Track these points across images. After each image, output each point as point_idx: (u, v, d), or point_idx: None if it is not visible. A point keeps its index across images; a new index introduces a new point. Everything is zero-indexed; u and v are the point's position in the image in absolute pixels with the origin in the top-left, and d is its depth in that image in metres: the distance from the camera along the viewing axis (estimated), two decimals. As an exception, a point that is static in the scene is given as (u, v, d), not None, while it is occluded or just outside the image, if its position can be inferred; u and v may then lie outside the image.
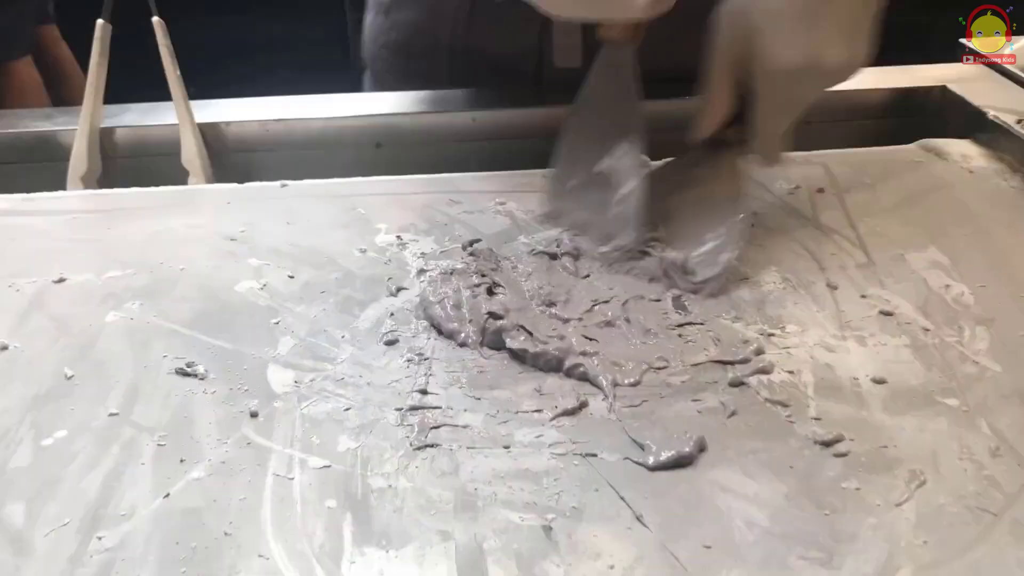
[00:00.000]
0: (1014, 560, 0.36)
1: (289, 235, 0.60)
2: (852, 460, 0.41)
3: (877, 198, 0.63)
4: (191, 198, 0.65)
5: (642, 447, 0.41)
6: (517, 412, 0.44)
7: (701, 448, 0.41)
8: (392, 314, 0.51)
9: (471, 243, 0.58)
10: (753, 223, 0.58)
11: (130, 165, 0.73)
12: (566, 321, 0.50)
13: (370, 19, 0.85)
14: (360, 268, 0.56)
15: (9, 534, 0.38)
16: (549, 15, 0.55)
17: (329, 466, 0.41)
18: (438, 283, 0.52)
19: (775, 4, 0.50)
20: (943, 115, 0.77)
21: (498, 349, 0.48)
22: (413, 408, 0.44)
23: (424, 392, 0.45)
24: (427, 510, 0.38)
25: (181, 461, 0.41)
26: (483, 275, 0.53)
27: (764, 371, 0.46)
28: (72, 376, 0.47)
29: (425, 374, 0.46)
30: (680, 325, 0.50)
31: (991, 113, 0.71)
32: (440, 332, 0.49)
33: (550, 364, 0.47)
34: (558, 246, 0.57)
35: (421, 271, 0.55)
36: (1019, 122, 0.69)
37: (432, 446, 0.42)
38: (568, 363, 0.46)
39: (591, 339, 0.48)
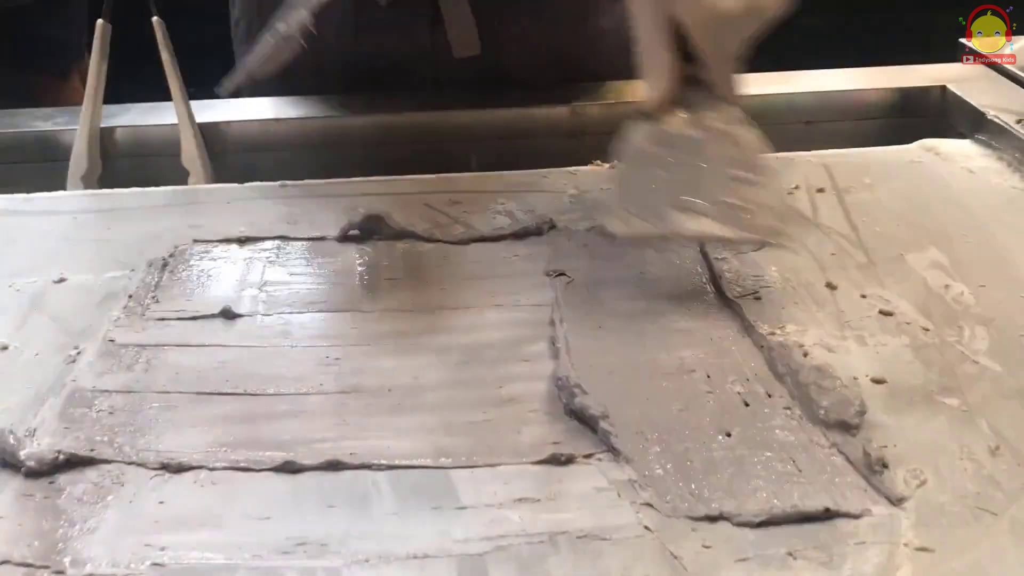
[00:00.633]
0: (1014, 560, 0.36)
1: (289, 235, 0.60)
2: (851, 459, 0.40)
3: (877, 198, 0.63)
4: (191, 198, 0.65)
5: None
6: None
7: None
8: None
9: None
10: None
11: (130, 165, 0.73)
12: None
13: (244, 26, 0.82)
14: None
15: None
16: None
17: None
18: None
19: None
20: (943, 115, 0.77)
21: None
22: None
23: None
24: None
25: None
26: None
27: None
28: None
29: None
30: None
31: (991, 113, 0.71)
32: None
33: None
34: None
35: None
36: (1019, 122, 0.69)
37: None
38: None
39: None
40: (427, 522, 0.38)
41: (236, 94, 0.69)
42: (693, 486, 0.39)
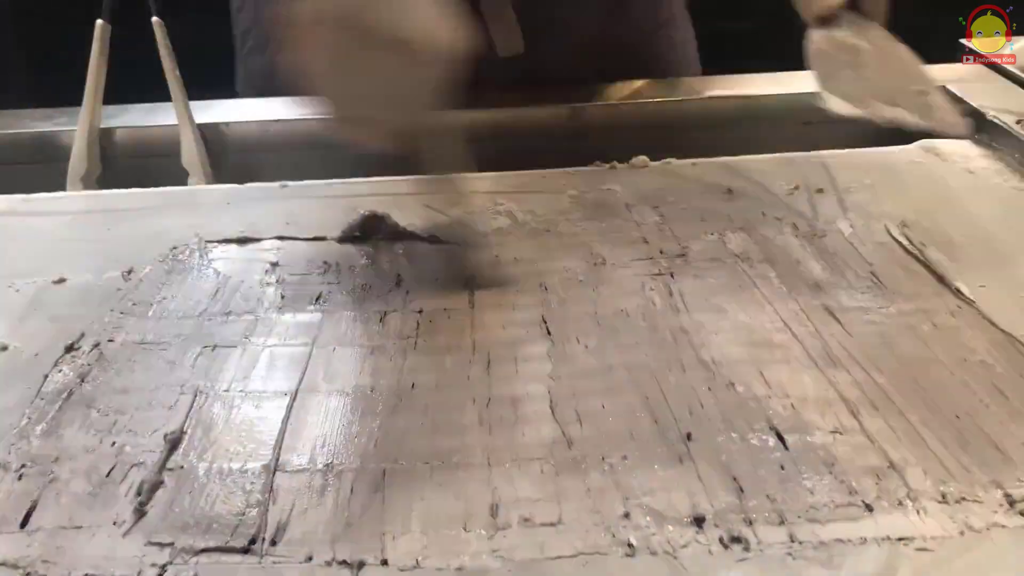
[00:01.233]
0: (1014, 560, 0.36)
1: (289, 235, 0.60)
2: (851, 459, 0.40)
3: (877, 198, 0.63)
4: (191, 198, 0.65)
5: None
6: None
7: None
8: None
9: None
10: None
11: (130, 165, 0.73)
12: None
13: (254, 36, 0.80)
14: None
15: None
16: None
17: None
18: None
19: None
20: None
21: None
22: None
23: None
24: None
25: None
26: None
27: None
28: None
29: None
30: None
31: (991, 113, 0.71)
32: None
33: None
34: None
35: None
36: (1019, 122, 0.69)
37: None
38: None
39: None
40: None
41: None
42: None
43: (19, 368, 0.48)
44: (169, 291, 0.54)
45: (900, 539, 0.36)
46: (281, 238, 0.59)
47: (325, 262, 0.57)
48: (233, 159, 0.74)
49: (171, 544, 0.37)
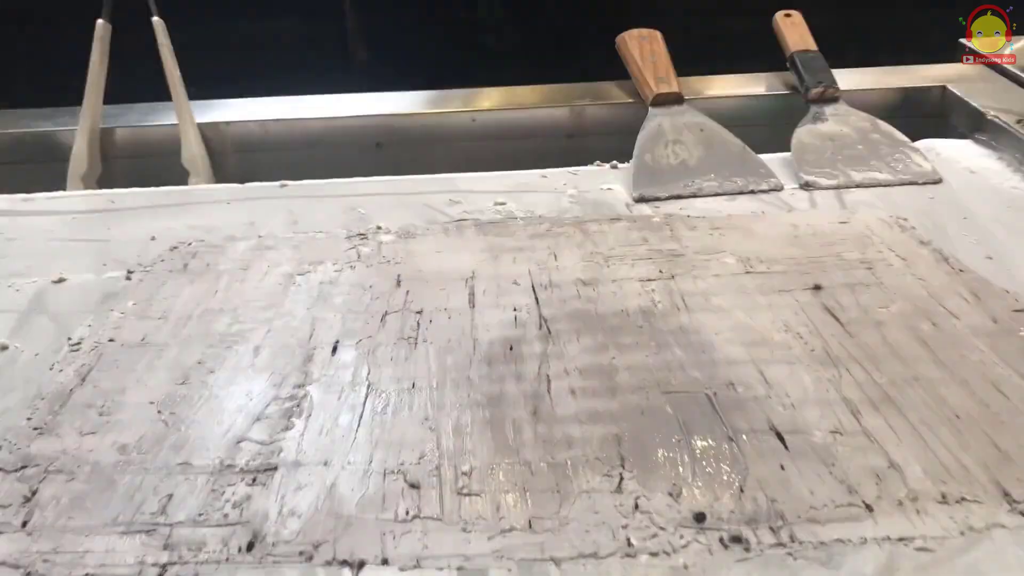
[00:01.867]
0: (1014, 560, 0.36)
1: (289, 235, 0.60)
2: (851, 459, 0.40)
3: (877, 197, 0.63)
4: (191, 198, 0.65)
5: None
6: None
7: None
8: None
9: None
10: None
11: (130, 165, 0.73)
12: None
13: None
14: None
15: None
16: None
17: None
18: None
19: None
20: (943, 115, 0.77)
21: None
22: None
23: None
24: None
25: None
26: None
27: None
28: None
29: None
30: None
31: (991, 113, 0.71)
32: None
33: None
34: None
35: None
36: (1019, 122, 0.69)
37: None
38: None
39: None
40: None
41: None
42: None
43: (19, 368, 0.48)
44: (169, 291, 0.54)
45: (900, 539, 0.36)
46: (281, 238, 0.59)
47: (325, 262, 0.57)
48: (233, 159, 0.74)
49: (171, 544, 0.37)
